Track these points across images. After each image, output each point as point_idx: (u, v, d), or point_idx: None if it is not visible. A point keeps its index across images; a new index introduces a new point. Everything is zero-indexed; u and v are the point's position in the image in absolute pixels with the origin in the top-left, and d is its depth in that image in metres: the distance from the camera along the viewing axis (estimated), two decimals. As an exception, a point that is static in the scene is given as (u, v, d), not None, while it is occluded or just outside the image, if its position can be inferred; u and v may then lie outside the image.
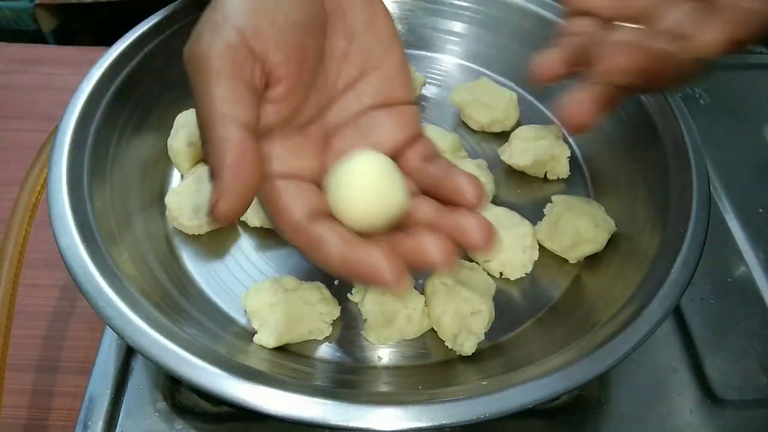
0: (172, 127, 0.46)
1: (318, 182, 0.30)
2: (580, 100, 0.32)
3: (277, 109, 0.28)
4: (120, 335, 0.31)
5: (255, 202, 0.43)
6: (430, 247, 0.26)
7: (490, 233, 0.27)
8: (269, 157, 0.28)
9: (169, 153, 0.45)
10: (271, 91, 0.28)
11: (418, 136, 0.32)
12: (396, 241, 0.27)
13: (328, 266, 0.27)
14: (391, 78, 0.32)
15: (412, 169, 0.31)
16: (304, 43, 0.29)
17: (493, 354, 0.38)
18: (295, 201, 0.28)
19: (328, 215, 0.29)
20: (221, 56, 0.26)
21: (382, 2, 0.33)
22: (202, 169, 0.43)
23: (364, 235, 0.28)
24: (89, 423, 0.36)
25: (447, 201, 0.29)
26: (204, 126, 0.26)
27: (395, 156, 0.31)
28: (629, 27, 0.34)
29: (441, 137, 0.47)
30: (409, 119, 0.33)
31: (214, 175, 0.25)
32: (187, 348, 0.31)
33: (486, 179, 0.45)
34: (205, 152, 0.26)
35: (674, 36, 0.31)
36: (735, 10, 0.30)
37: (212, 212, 0.25)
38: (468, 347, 0.37)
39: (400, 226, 0.29)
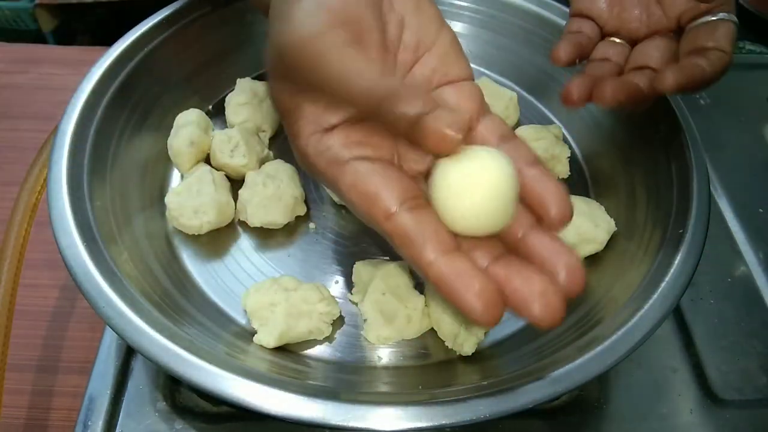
0: (172, 127, 0.46)
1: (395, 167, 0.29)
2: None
3: None
4: (120, 335, 0.31)
5: (256, 202, 0.43)
6: (530, 297, 0.25)
7: (579, 281, 0.26)
8: (347, 141, 0.28)
9: (169, 153, 0.45)
10: None
11: (485, 111, 0.32)
12: (501, 263, 0.26)
13: (420, 270, 0.26)
14: (446, 55, 0.33)
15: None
16: (379, 20, 0.30)
17: (493, 354, 0.38)
18: (384, 184, 0.27)
19: (426, 204, 0.28)
20: (333, 31, 0.27)
21: None
22: (202, 169, 0.43)
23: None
24: (89, 423, 0.36)
25: (529, 205, 0.28)
26: (360, 95, 0.27)
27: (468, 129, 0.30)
28: (616, 43, 0.41)
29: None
30: (472, 93, 0.32)
31: (417, 117, 0.25)
32: (187, 348, 0.31)
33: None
34: (388, 114, 0.26)
35: (647, 73, 0.38)
36: (689, 63, 0.36)
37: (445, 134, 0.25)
38: (468, 347, 0.37)
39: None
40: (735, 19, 0.37)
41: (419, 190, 0.28)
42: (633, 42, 0.41)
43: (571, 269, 0.26)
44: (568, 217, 0.27)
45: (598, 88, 0.36)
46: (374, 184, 0.27)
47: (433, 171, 0.28)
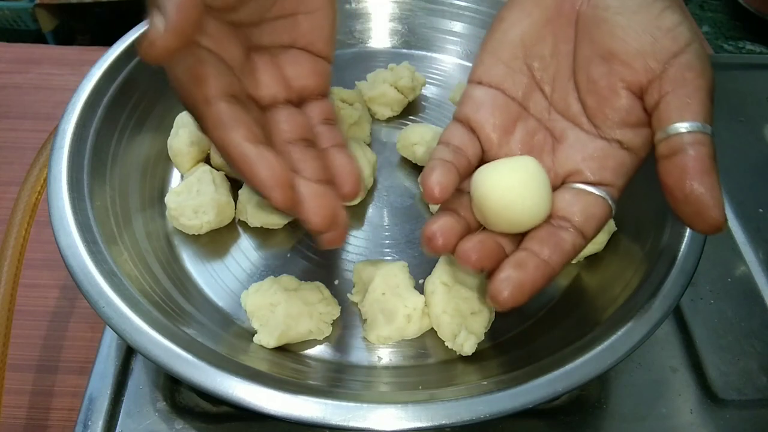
0: (172, 127, 0.46)
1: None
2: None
3: None
4: (120, 335, 0.31)
5: (256, 202, 0.43)
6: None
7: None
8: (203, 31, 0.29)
9: (169, 153, 0.45)
10: None
11: (324, 94, 0.35)
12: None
13: (224, 150, 0.29)
14: (319, 29, 0.34)
15: (309, 124, 0.34)
16: None
17: (493, 354, 0.38)
18: (215, 74, 0.29)
19: (244, 103, 0.30)
20: None
21: None
22: (202, 169, 0.43)
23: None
24: (89, 423, 0.36)
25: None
26: None
27: (299, 101, 0.34)
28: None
29: (441, 137, 0.47)
30: (323, 72, 0.35)
31: (154, 7, 0.26)
32: (187, 348, 0.31)
33: None
34: None
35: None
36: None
37: (150, 46, 0.26)
38: (468, 347, 0.37)
39: None
40: (610, 201, 0.32)
41: (243, 90, 0.32)
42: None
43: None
44: (357, 192, 0.33)
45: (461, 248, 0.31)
46: (206, 71, 0.29)
47: (474, 176, 0.32)
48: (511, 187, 0.31)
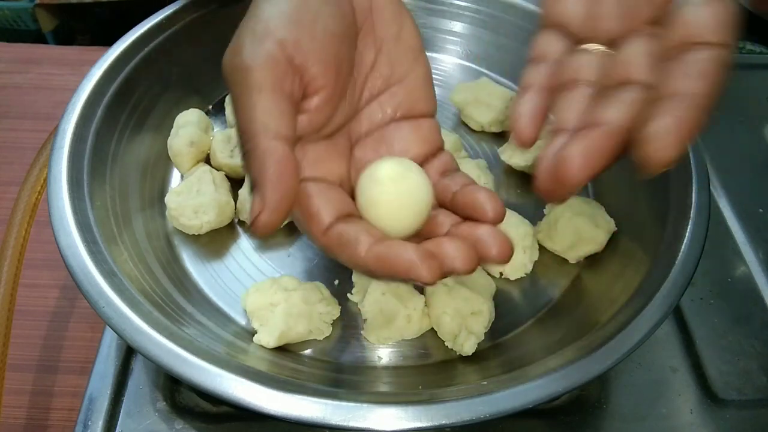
0: (172, 127, 0.46)
1: (344, 188, 0.31)
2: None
3: (311, 119, 0.29)
4: (120, 335, 0.31)
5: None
6: (454, 253, 0.27)
7: (508, 247, 0.27)
8: (300, 162, 0.29)
9: (169, 153, 0.45)
10: (307, 102, 0.29)
11: (438, 150, 0.33)
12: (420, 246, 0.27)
13: (360, 264, 0.27)
14: (415, 90, 0.33)
15: (432, 182, 0.31)
16: (339, 55, 0.29)
17: (493, 354, 0.38)
18: (324, 204, 0.28)
19: (358, 217, 0.29)
20: (263, 68, 0.27)
21: (410, 16, 0.33)
22: (202, 169, 0.43)
23: None
24: (89, 423, 0.36)
25: (465, 215, 0.29)
26: (246, 137, 0.27)
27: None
28: (594, 50, 0.30)
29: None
30: (430, 132, 0.33)
31: (255, 187, 0.26)
32: (187, 348, 0.31)
33: (486, 179, 0.45)
34: (247, 163, 0.27)
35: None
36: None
37: (254, 224, 0.26)
38: (468, 347, 0.37)
39: (420, 235, 0.30)
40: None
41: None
42: (610, 43, 0.30)
43: (500, 237, 0.27)
44: (502, 212, 0.29)
45: (561, 165, 0.25)
46: (316, 204, 0.28)
47: (357, 184, 0.31)
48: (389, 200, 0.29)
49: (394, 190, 0.29)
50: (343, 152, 0.32)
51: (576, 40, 0.30)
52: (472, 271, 0.27)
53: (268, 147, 0.26)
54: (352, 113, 0.32)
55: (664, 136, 0.23)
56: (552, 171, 0.25)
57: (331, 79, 0.29)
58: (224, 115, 0.49)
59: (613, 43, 0.29)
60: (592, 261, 0.42)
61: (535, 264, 0.43)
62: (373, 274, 0.27)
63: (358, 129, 0.33)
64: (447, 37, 0.56)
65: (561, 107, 0.29)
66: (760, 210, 0.50)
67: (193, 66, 0.49)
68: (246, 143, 0.27)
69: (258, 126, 0.26)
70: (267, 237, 0.27)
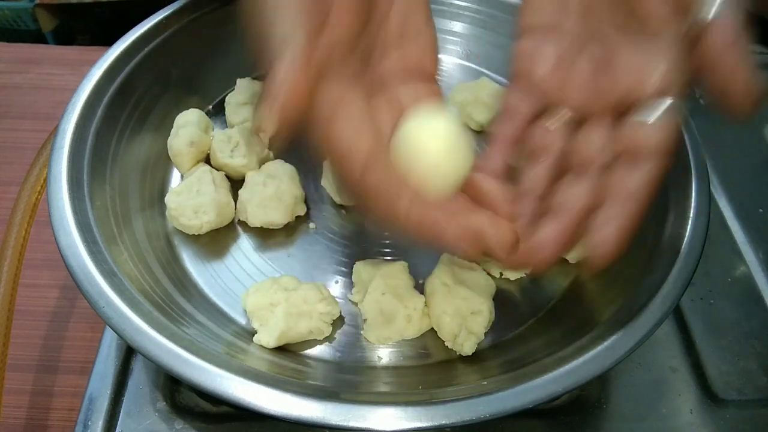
0: (172, 127, 0.46)
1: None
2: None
3: (332, 43, 0.28)
4: (120, 335, 0.31)
5: (256, 202, 0.42)
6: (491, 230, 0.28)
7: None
8: (326, 97, 0.28)
9: (169, 153, 0.45)
10: (329, 28, 0.28)
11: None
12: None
13: (400, 219, 0.27)
14: (426, 51, 0.33)
15: None
16: None
17: (493, 354, 0.38)
18: (357, 143, 0.27)
19: (392, 165, 0.28)
20: None
21: None
22: (202, 169, 0.43)
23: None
24: (89, 423, 0.36)
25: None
26: (268, 47, 0.27)
27: None
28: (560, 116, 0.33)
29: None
30: (437, 96, 0.34)
31: (266, 94, 0.26)
32: (187, 348, 0.31)
33: None
34: (266, 71, 0.27)
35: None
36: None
37: (258, 131, 0.26)
38: (468, 347, 0.37)
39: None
40: (682, 108, 0.30)
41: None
42: (575, 110, 0.33)
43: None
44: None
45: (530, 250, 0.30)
46: (347, 145, 0.28)
47: (401, 132, 0.30)
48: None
49: (451, 145, 0.28)
50: (362, 96, 0.30)
51: (544, 99, 0.33)
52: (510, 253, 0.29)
53: (287, 55, 0.26)
54: (368, 54, 0.32)
55: (603, 245, 0.30)
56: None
57: (353, 5, 0.28)
58: (224, 115, 0.49)
59: (577, 110, 0.32)
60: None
61: (535, 264, 0.43)
62: (409, 232, 0.28)
63: (374, 72, 0.32)
64: (447, 37, 0.56)
65: (529, 177, 0.33)
66: (760, 210, 0.50)
67: (193, 66, 0.49)
68: (267, 52, 0.27)
69: (279, 35, 0.26)
70: (275, 144, 0.26)
